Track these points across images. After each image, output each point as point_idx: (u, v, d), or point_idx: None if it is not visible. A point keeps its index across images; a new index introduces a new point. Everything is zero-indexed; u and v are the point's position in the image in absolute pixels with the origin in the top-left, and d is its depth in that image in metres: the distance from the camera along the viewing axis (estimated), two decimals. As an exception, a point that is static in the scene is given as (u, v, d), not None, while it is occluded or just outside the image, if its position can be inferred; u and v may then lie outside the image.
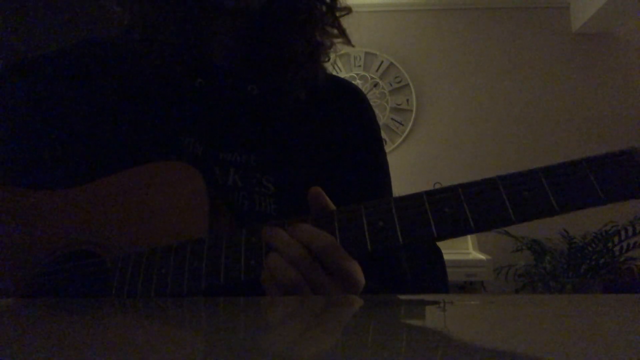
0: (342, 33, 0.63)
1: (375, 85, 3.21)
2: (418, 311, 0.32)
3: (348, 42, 0.64)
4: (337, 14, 0.63)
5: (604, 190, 0.37)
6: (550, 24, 3.25)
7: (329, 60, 0.65)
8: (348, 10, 0.63)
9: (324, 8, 0.61)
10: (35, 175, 0.59)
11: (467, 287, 2.56)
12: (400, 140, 3.18)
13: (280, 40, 0.59)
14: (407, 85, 3.23)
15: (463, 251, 2.65)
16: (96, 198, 0.52)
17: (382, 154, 0.68)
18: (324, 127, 0.64)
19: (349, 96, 0.68)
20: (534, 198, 0.39)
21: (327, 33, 0.63)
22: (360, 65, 3.22)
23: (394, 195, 0.69)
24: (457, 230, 0.40)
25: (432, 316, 0.30)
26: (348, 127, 0.65)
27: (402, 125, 3.20)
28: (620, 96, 3.15)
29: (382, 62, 3.23)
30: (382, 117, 3.14)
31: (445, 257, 0.74)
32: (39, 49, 0.66)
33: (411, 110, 3.21)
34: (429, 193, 0.41)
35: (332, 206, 0.45)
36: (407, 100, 3.22)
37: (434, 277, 0.68)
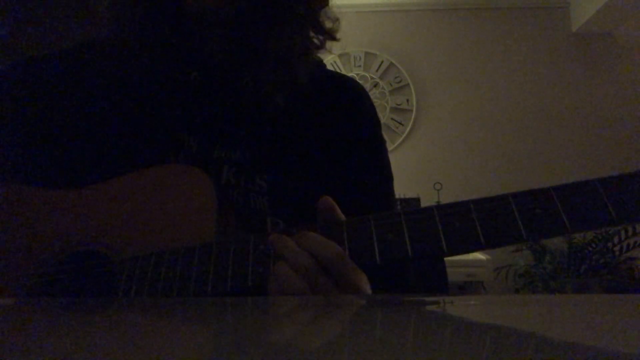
0: (322, 30, 0.63)
1: (375, 85, 3.21)
2: (418, 311, 0.32)
3: (332, 36, 0.64)
4: (314, 5, 0.62)
5: (617, 211, 0.37)
6: (550, 24, 3.25)
7: (321, 62, 0.65)
8: (325, 1, 0.63)
9: (301, 7, 0.61)
10: (35, 175, 0.59)
11: (467, 287, 2.56)
12: (400, 140, 3.18)
13: (261, 40, 0.59)
14: (407, 85, 3.23)
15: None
16: (105, 199, 0.52)
17: (383, 151, 0.67)
18: (322, 124, 0.63)
19: (348, 92, 0.67)
20: (546, 217, 0.38)
21: (310, 31, 0.62)
22: (360, 65, 3.22)
23: (394, 196, 0.69)
24: (468, 246, 0.39)
25: (432, 316, 0.30)
26: (347, 124, 0.64)
27: (402, 125, 3.20)
28: (620, 96, 3.15)
29: (382, 62, 3.23)
30: (382, 117, 3.14)
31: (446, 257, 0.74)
32: (37, 50, 0.67)
33: (411, 110, 3.21)
34: (439, 207, 0.41)
35: (342, 216, 0.44)
36: (407, 100, 3.22)
37: (434, 277, 0.68)
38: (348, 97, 0.67)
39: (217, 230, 0.48)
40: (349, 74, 3.15)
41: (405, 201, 2.80)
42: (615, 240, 2.55)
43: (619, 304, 0.30)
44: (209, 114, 0.60)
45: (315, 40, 0.63)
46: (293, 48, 0.60)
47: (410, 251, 0.40)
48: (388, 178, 0.67)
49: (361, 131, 0.65)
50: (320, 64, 0.66)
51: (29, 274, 0.51)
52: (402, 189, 2.84)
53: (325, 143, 0.62)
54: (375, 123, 0.67)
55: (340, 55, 3.18)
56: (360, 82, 3.04)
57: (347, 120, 0.65)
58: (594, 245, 2.59)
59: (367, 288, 0.43)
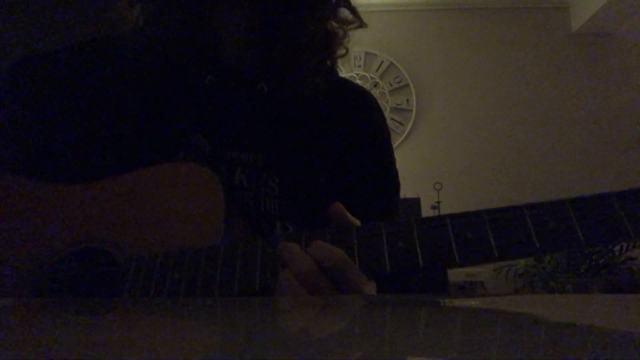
0: (354, 12, 0.63)
1: (375, 85, 3.21)
2: (418, 311, 0.32)
3: (361, 22, 0.64)
4: None
5: (633, 226, 0.36)
6: (550, 24, 3.25)
7: (347, 52, 0.65)
8: None
9: None
10: (45, 171, 0.59)
11: (467, 287, 2.56)
12: (400, 140, 3.18)
13: (291, 28, 0.59)
14: (407, 85, 3.23)
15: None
16: (111, 195, 0.52)
17: (390, 158, 0.68)
18: (333, 129, 0.64)
19: (359, 99, 0.68)
20: (561, 230, 0.38)
21: (339, 19, 0.62)
22: (360, 65, 3.22)
23: (399, 202, 0.69)
24: (480, 257, 0.39)
25: (432, 316, 0.30)
26: (357, 130, 0.65)
27: (402, 125, 3.20)
28: (620, 96, 3.15)
29: (382, 62, 3.23)
30: (382, 117, 3.15)
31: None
32: (49, 46, 0.67)
33: (411, 110, 3.21)
34: (452, 216, 0.40)
35: (355, 221, 0.44)
36: (407, 100, 3.22)
37: (435, 277, 0.68)
38: (360, 104, 0.68)
39: (225, 231, 0.48)
40: (349, 74, 3.18)
41: (405, 201, 2.80)
42: (615, 240, 2.55)
43: (619, 304, 0.30)
44: (222, 116, 0.59)
45: (344, 28, 0.64)
46: (331, 34, 0.61)
47: (421, 261, 0.39)
48: (394, 185, 0.67)
49: (372, 138, 0.66)
50: (332, 70, 0.66)
51: (32, 272, 0.51)
52: (402, 189, 2.83)
53: (336, 147, 0.63)
54: (386, 131, 0.68)
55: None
56: (360, 82, 3.05)
57: (358, 127, 0.65)
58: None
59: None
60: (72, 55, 0.64)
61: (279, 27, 0.59)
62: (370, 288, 0.41)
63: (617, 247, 2.56)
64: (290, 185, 0.58)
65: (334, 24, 0.62)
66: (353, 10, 0.63)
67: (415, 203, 2.81)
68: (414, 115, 3.20)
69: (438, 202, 2.83)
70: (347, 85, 0.69)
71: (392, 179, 0.67)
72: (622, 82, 3.16)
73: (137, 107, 0.60)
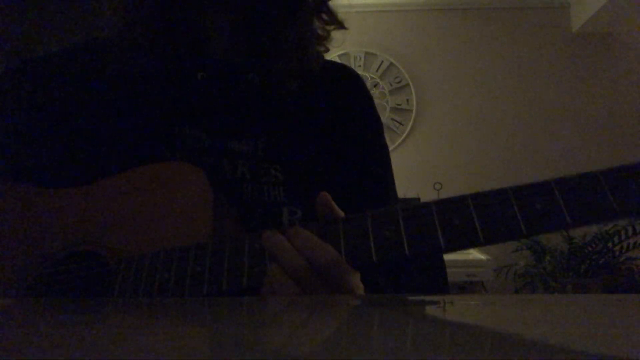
0: (334, 17, 0.64)
1: (375, 85, 3.21)
2: (418, 311, 0.32)
3: (341, 25, 0.65)
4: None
5: (619, 204, 0.36)
6: (550, 24, 3.25)
7: (326, 50, 0.66)
8: None
9: None
10: (38, 174, 0.59)
11: (467, 287, 2.56)
12: (400, 140, 3.18)
13: (273, 29, 0.60)
14: (407, 85, 3.23)
15: (463, 251, 2.64)
16: (100, 198, 0.52)
17: (382, 134, 0.70)
18: (325, 110, 0.65)
19: (346, 79, 0.70)
20: (547, 211, 0.37)
21: (320, 20, 0.64)
22: (360, 65, 3.22)
23: (392, 171, 0.71)
24: (466, 242, 0.38)
25: (432, 316, 0.30)
26: (348, 109, 0.67)
27: (402, 125, 3.20)
28: (620, 96, 3.15)
29: (382, 62, 3.23)
30: (382, 117, 3.13)
31: (446, 256, 0.74)
32: (39, 51, 0.67)
33: (411, 110, 3.21)
34: (437, 203, 0.40)
35: (340, 213, 0.44)
36: (407, 100, 3.22)
37: (434, 276, 0.68)
38: (348, 83, 0.70)
39: (215, 227, 0.48)
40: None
41: (406, 201, 2.81)
42: (615, 240, 2.55)
43: (619, 304, 0.30)
44: (218, 108, 0.60)
45: (325, 28, 0.65)
46: (307, 36, 0.62)
47: (407, 249, 0.39)
48: (388, 162, 0.69)
49: (363, 116, 0.68)
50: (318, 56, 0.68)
51: (26, 274, 0.51)
52: (402, 189, 2.83)
53: (328, 127, 0.64)
54: (374, 108, 0.71)
55: (340, 56, 3.18)
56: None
57: (349, 106, 0.67)
58: (594, 245, 2.59)
59: (360, 288, 0.43)
60: (61, 59, 0.65)
61: (262, 25, 0.60)
62: (356, 282, 0.42)
63: (617, 247, 2.56)
64: (292, 169, 0.59)
65: (316, 22, 0.64)
66: (333, 15, 0.65)
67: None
68: (414, 115, 3.20)
69: (438, 202, 2.83)
70: (334, 66, 0.71)
71: (385, 155, 0.69)
72: (622, 82, 3.16)
73: (129, 108, 0.60)
